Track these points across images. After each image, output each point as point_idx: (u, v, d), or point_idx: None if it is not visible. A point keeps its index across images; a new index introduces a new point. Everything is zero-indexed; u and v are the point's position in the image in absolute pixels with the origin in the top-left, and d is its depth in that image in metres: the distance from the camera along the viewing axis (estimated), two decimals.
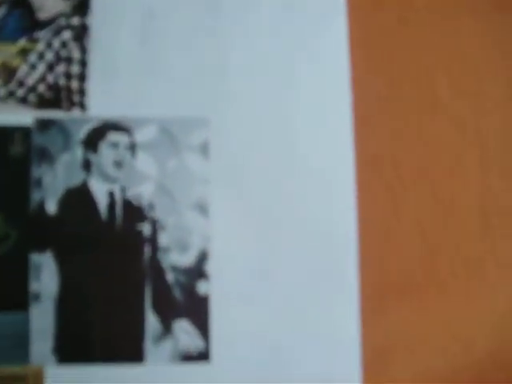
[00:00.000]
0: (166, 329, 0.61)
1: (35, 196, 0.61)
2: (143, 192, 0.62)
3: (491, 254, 0.64)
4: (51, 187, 0.61)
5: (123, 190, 0.62)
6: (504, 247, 0.64)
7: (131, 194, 0.62)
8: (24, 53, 0.62)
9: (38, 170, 0.61)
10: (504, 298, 0.64)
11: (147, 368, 0.61)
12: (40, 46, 0.62)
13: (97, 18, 0.63)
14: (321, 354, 0.62)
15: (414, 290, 0.63)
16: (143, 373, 0.61)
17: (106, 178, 0.62)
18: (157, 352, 0.61)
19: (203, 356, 0.61)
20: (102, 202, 0.62)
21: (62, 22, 0.63)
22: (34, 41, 0.62)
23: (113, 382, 0.61)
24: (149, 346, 0.61)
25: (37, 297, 0.61)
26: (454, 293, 0.63)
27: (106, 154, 0.62)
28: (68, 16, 0.63)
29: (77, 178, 0.62)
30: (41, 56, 0.62)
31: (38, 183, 0.61)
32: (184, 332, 0.61)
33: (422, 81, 0.65)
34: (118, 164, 0.62)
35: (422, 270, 0.64)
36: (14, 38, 0.62)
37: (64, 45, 0.62)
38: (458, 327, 0.63)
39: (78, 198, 0.62)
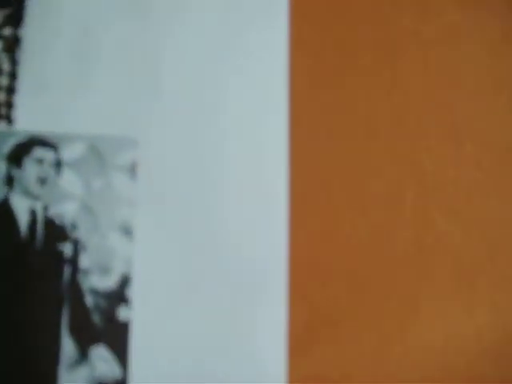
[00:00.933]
0: (83, 355, 0.59)
1: None
2: (66, 211, 0.60)
3: (426, 287, 0.62)
4: None
5: (46, 208, 0.60)
6: (439, 279, 0.63)
7: (54, 212, 0.60)
8: None
9: None
10: (441, 335, 0.62)
11: None
12: None
13: (30, 31, 0.62)
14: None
15: (342, 323, 0.61)
16: None
17: (29, 194, 0.60)
18: (71, 379, 0.59)
19: None
20: (22, 220, 0.60)
21: None
22: None
23: None
24: (63, 372, 0.58)
25: None
26: (386, 329, 0.61)
27: (30, 169, 0.60)
28: None
29: None
30: None
31: None
32: (101, 359, 0.59)
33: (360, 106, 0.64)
34: (42, 181, 0.60)
35: (351, 304, 0.62)
36: None
37: None
38: (391, 365, 0.61)
39: None
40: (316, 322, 0.61)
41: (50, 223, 0.60)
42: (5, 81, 0.61)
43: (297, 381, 0.60)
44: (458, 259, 0.63)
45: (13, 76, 0.61)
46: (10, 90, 0.61)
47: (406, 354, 0.62)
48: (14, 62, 0.61)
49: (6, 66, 0.61)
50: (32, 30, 0.62)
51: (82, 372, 0.59)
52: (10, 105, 0.60)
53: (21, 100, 0.61)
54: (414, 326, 0.62)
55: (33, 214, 0.60)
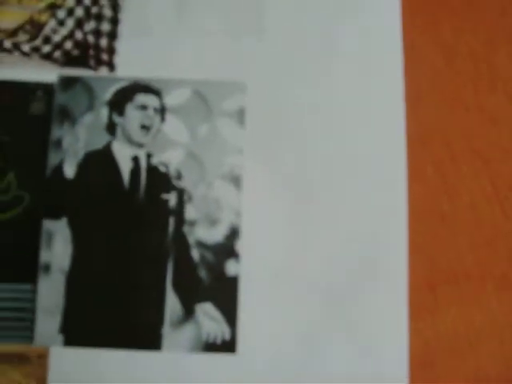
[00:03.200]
0: (188, 312, 0.54)
1: (53, 158, 0.56)
2: (171, 159, 0.56)
3: None
4: (71, 149, 0.56)
5: (149, 155, 0.56)
6: None
7: (158, 160, 0.56)
8: (53, 8, 0.58)
9: (58, 131, 0.56)
10: None
11: (164, 356, 0.54)
12: (70, 2, 0.58)
13: None
14: (361, 351, 0.54)
15: (467, 283, 0.55)
16: (159, 361, 0.54)
17: (132, 142, 0.57)
18: (176, 339, 0.54)
19: (228, 346, 0.54)
20: (125, 168, 0.56)
21: None
22: None
23: (124, 370, 0.54)
24: (167, 331, 0.54)
25: (47, 268, 0.54)
26: None
27: (132, 116, 0.57)
28: None
29: (100, 141, 0.56)
30: (70, 12, 0.58)
31: (58, 144, 0.56)
32: (208, 317, 0.54)
33: (480, 54, 0.59)
34: (146, 128, 0.57)
35: (478, 262, 0.56)
36: None
37: (95, 1, 0.58)
38: None
39: (100, 163, 0.56)
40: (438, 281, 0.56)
41: (153, 172, 0.56)
42: (107, 27, 0.58)
43: (418, 346, 0.54)
44: None
45: (115, 22, 0.58)
46: (112, 36, 0.58)
47: None
48: (115, 8, 0.58)
49: (108, 12, 0.58)
50: None
51: (188, 331, 0.54)
52: (111, 51, 0.58)
53: (123, 46, 0.58)
54: None
55: (136, 161, 0.56)
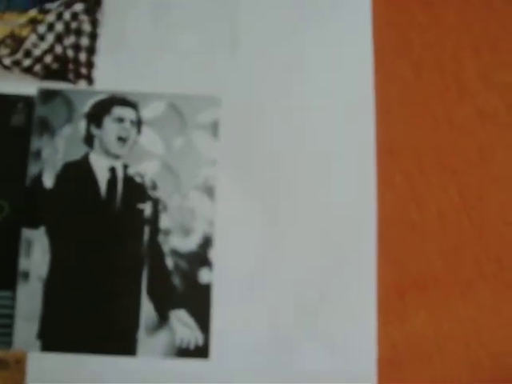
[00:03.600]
0: (162, 319, 0.56)
1: (33, 168, 0.58)
2: (147, 170, 0.58)
3: None
4: (50, 160, 0.58)
5: (126, 166, 0.58)
6: None
7: (134, 171, 0.58)
8: (33, 23, 0.60)
9: (38, 142, 0.58)
10: None
11: (139, 361, 0.56)
12: (50, 17, 0.60)
13: None
14: (332, 352, 0.55)
15: (436, 288, 0.57)
16: (134, 366, 0.56)
17: (109, 153, 0.58)
18: (150, 344, 0.56)
19: (201, 351, 0.56)
20: (102, 179, 0.58)
21: None
22: (45, 12, 0.60)
23: (100, 374, 0.55)
24: (142, 337, 0.56)
25: (25, 276, 0.56)
26: (481, 294, 0.57)
27: (110, 128, 0.59)
28: None
29: (78, 152, 0.58)
30: (50, 27, 0.60)
31: (37, 155, 0.58)
32: (181, 323, 0.56)
33: (448, 67, 0.61)
34: (122, 140, 0.59)
35: (445, 267, 0.58)
36: (24, 8, 0.60)
37: (75, 17, 0.60)
38: (485, 333, 0.56)
39: (78, 173, 0.58)
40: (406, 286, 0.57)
41: (130, 182, 0.58)
42: (86, 41, 0.60)
43: (387, 347, 0.56)
44: None
45: (93, 37, 0.60)
46: (91, 51, 0.60)
47: (502, 325, 0.57)
48: (94, 23, 0.60)
49: (87, 27, 0.60)
50: None
51: (162, 336, 0.56)
52: (90, 64, 0.60)
53: (101, 60, 0.60)
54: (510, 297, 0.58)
55: (113, 172, 0.58)
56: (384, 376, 0.56)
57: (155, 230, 0.57)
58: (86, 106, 0.59)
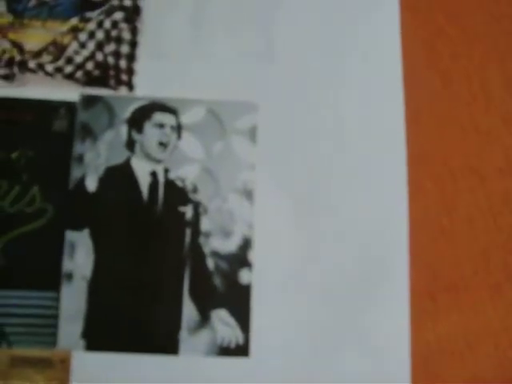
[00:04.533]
0: (204, 318, 0.58)
1: (76, 172, 0.59)
2: (187, 174, 0.60)
3: None
4: (93, 164, 0.59)
5: (167, 171, 0.60)
6: None
7: (175, 175, 0.60)
8: (75, 31, 0.61)
9: (80, 147, 0.59)
10: None
11: (181, 360, 0.57)
12: (91, 26, 0.62)
13: (149, 1, 0.63)
14: (368, 353, 0.57)
15: (466, 291, 0.59)
16: (177, 365, 0.57)
17: (150, 158, 0.60)
18: (192, 343, 0.57)
19: (242, 350, 0.57)
20: (143, 183, 0.59)
21: (115, 2, 0.62)
22: (86, 20, 0.62)
23: (143, 373, 0.57)
24: (184, 336, 0.57)
25: (69, 277, 0.57)
26: (509, 296, 0.59)
27: (150, 134, 0.60)
28: None
29: (119, 157, 0.60)
30: (91, 35, 0.61)
31: (80, 159, 0.59)
32: (222, 323, 0.58)
33: (475, 77, 0.63)
34: (163, 145, 0.60)
35: (475, 271, 0.60)
36: (66, 17, 0.62)
37: (115, 25, 0.62)
38: None
39: (120, 177, 0.59)
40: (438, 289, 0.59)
41: (171, 186, 0.60)
42: (126, 49, 0.61)
43: (420, 348, 0.58)
44: None
45: (133, 44, 0.62)
46: (131, 58, 0.61)
47: None
48: (134, 32, 0.62)
49: (127, 35, 0.62)
50: (151, 1, 0.63)
51: (204, 336, 0.57)
52: (130, 72, 0.61)
53: (141, 67, 0.62)
54: None
55: (154, 176, 0.60)
56: (417, 376, 0.57)
57: (196, 233, 0.59)
58: (127, 112, 0.61)
